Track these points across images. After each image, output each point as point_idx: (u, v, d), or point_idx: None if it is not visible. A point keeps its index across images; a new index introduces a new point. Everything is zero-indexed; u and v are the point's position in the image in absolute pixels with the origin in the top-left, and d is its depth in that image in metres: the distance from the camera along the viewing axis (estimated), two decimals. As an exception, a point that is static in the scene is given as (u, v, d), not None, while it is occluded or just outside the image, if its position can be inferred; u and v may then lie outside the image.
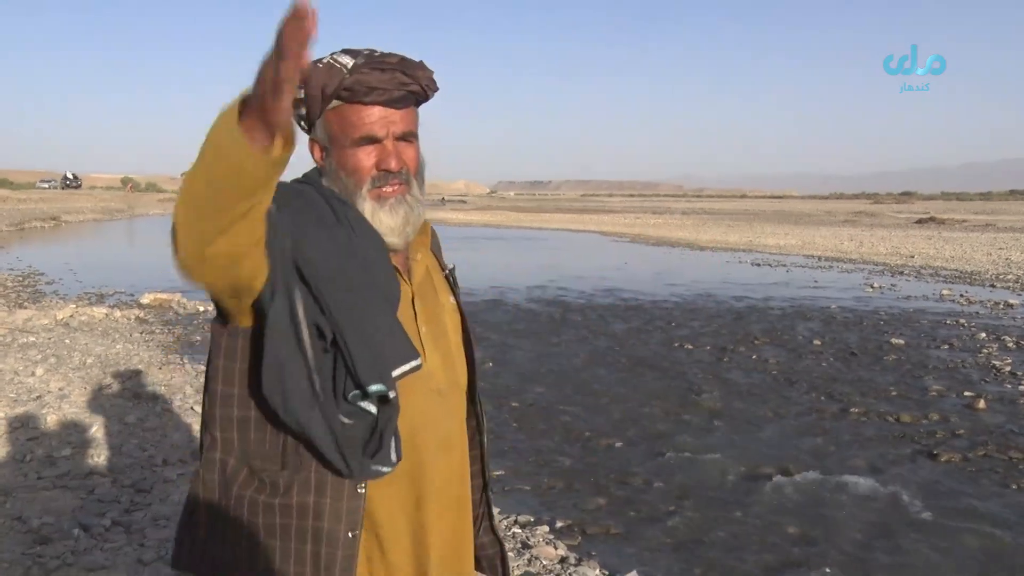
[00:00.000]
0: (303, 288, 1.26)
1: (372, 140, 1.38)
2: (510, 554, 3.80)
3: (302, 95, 1.37)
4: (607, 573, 3.79)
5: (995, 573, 4.04)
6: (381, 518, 1.37)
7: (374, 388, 1.25)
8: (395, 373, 1.29)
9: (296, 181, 1.44)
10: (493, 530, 1.65)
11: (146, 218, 49.64)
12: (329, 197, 1.38)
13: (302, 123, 1.42)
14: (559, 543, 4.09)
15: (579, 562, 3.87)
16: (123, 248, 27.77)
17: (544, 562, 3.81)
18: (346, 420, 1.26)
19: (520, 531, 4.19)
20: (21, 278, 14.80)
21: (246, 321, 1.29)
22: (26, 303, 11.23)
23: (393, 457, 1.30)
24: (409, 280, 1.45)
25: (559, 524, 4.39)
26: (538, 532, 4.19)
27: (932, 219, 43.23)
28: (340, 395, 1.26)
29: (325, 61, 1.36)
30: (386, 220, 1.38)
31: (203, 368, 7.02)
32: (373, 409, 1.27)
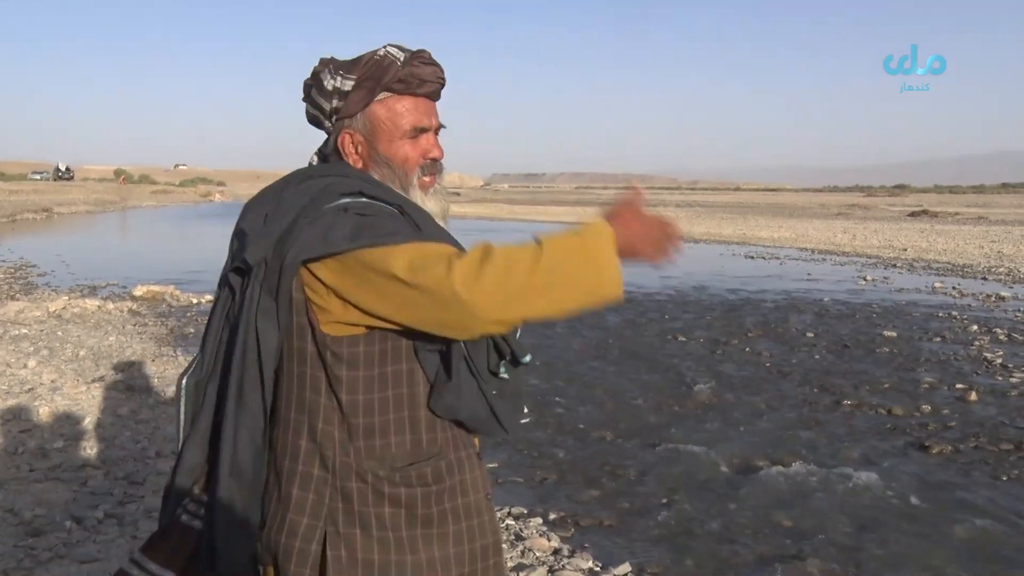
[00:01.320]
0: None
1: (422, 131, 1.45)
2: (503, 546, 3.82)
3: (350, 87, 1.41)
4: (600, 565, 3.80)
5: (986, 564, 4.06)
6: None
7: (527, 359, 1.42)
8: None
9: (345, 175, 1.41)
10: None
11: (139, 210, 49.46)
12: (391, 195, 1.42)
13: (334, 116, 1.44)
14: (552, 535, 4.09)
15: (572, 554, 3.88)
16: (116, 240, 27.67)
17: (537, 554, 3.82)
18: (494, 392, 1.40)
19: (513, 523, 4.20)
20: (13, 270, 14.74)
21: (360, 329, 1.33)
22: (18, 295, 11.19)
23: (525, 407, 1.49)
24: None
25: (552, 516, 4.40)
26: (531, 524, 4.20)
27: (925, 212, 43.33)
28: (488, 370, 1.39)
29: (381, 53, 1.42)
30: (432, 207, 1.46)
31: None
32: (507, 376, 1.41)
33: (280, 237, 1.32)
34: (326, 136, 1.49)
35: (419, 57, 1.42)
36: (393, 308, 1.27)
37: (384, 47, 1.43)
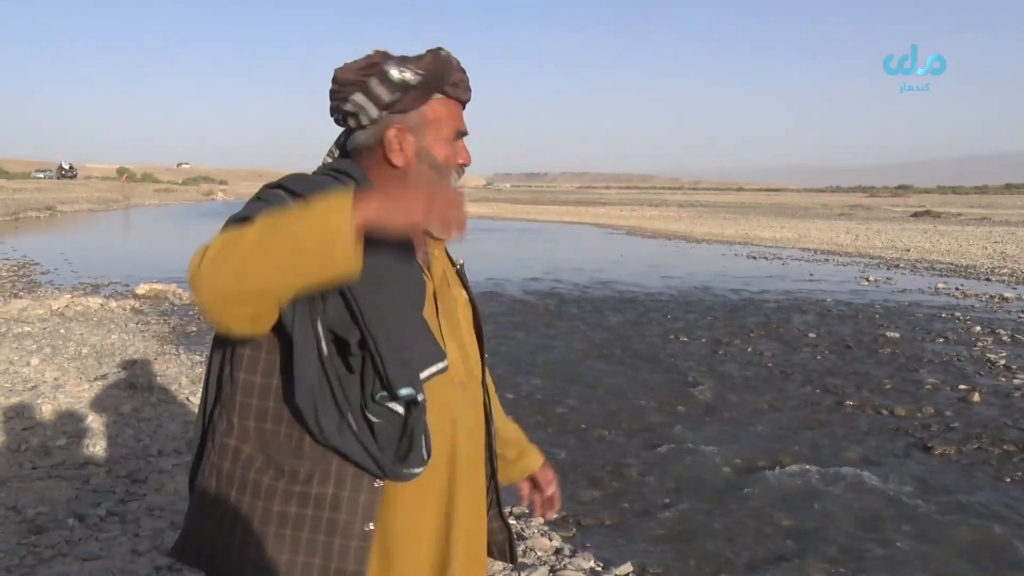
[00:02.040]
0: (332, 296, 1.26)
1: (462, 135, 1.47)
2: (505, 545, 3.82)
3: (416, 82, 1.39)
4: (601, 565, 3.80)
5: (988, 565, 4.06)
6: (406, 509, 1.37)
7: (404, 392, 1.26)
8: (423, 375, 1.31)
9: (332, 171, 1.41)
10: (502, 516, 1.69)
11: (142, 208, 49.52)
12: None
13: (384, 109, 1.40)
14: (554, 534, 4.10)
15: (573, 553, 3.88)
16: (119, 238, 27.71)
17: (539, 553, 3.82)
18: (375, 419, 1.28)
19: (515, 522, 4.20)
20: (16, 268, 14.76)
21: None
22: (21, 293, 11.21)
23: (424, 455, 1.32)
24: (430, 275, 1.47)
25: (554, 515, 4.40)
26: (533, 523, 4.20)
27: (928, 212, 43.27)
28: (368, 396, 1.28)
29: (443, 54, 1.42)
30: None
31: (199, 359, 7.03)
32: (401, 409, 1.29)
33: None
34: (349, 130, 1.45)
35: (459, 65, 1.45)
36: None
37: (440, 48, 1.42)
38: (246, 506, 1.32)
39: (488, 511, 1.64)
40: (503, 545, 1.69)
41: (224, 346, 1.37)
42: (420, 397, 1.29)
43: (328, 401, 1.26)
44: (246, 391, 1.34)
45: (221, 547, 1.34)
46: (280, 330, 1.28)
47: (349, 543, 1.30)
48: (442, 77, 1.41)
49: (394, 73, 1.37)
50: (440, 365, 1.34)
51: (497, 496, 1.67)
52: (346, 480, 1.31)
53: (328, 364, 1.27)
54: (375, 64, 1.38)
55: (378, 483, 1.32)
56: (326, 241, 1.11)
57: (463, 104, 1.48)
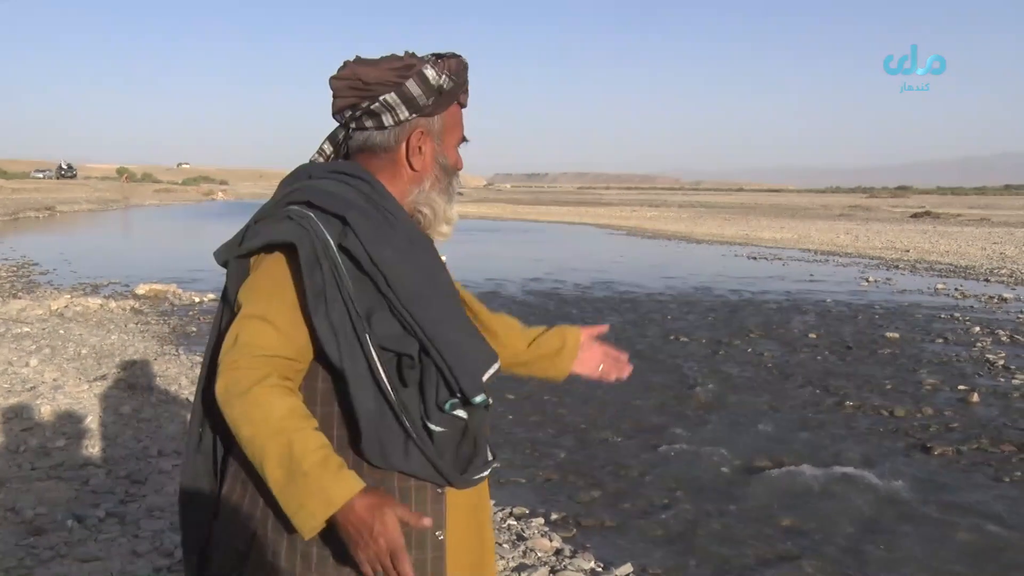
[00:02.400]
0: (378, 311, 1.26)
1: (463, 142, 1.50)
2: (505, 546, 3.82)
3: (450, 87, 1.39)
4: (602, 565, 3.80)
5: (987, 566, 4.06)
6: (455, 515, 1.37)
7: (479, 399, 1.27)
8: (484, 377, 1.31)
9: (341, 173, 1.37)
10: None
11: (141, 208, 49.50)
12: (375, 200, 1.35)
13: (414, 112, 1.39)
14: (554, 535, 4.09)
15: (574, 554, 3.88)
16: (118, 239, 27.70)
17: (539, 554, 3.82)
18: (438, 428, 1.28)
19: (515, 523, 4.20)
20: (15, 268, 14.76)
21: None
22: (20, 293, 11.20)
23: (489, 457, 1.33)
24: None
25: (554, 516, 4.40)
26: (533, 524, 4.20)
27: (928, 213, 43.27)
28: (432, 405, 1.27)
29: (465, 60, 1.42)
30: (452, 214, 1.46)
31: (198, 359, 7.02)
32: (465, 415, 1.29)
33: (239, 239, 1.36)
34: (356, 129, 1.42)
35: None
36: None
37: (460, 55, 1.42)
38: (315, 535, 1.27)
39: None
40: None
41: None
42: (490, 400, 1.30)
43: (392, 427, 1.25)
44: None
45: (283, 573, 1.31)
46: (328, 357, 1.26)
47: (425, 555, 1.30)
48: (463, 85, 1.42)
49: (433, 76, 1.36)
50: (496, 366, 1.34)
51: None
52: (409, 494, 1.30)
53: (385, 387, 1.25)
54: (413, 66, 1.36)
55: (440, 490, 1.32)
56: (295, 513, 1.16)
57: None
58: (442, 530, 1.32)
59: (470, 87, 1.47)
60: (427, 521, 1.17)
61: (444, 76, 1.37)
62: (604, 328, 1.76)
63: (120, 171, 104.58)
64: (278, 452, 1.16)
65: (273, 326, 1.24)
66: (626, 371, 1.75)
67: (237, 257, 1.34)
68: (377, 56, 1.41)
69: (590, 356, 1.72)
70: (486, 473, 1.33)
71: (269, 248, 1.29)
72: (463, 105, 1.47)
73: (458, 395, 1.27)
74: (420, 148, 1.41)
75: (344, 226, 1.27)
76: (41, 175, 78.42)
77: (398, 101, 1.36)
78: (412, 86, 1.35)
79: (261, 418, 1.17)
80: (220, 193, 79.92)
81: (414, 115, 1.38)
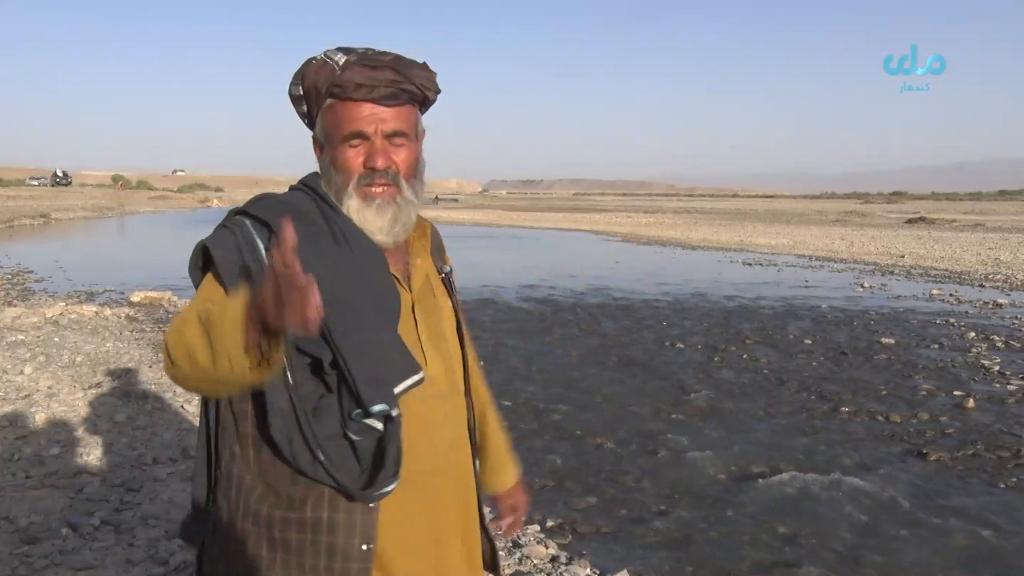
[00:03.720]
0: None
1: (359, 136, 1.37)
2: (501, 553, 3.81)
3: (301, 92, 1.40)
4: (598, 572, 3.79)
5: (984, 571, 4.06)
6: (393, 525, 1.35)
7: (377, 408, 1.25)
8: (397, 390, 1.29)
9: (294, 188, 1.45)
10: (484, 528, 1.66)
11: (137, 216, 49.45)
12: (325, 209, 1.38)
13: (305, 120, 1.45)
14: (550, 542, 4.09)
15: (570, 561, 3.87)
16: (114, 246, 27.64)
17: (535, 561, 3.81)
18: (356, 437, 1.27)
19: (511, 530, 4.19)
20: (10, 276, 14.72)
21: None
22: (15, 301, 11.17)
23: (392, 471, 1.30)
24: (409, 287, 1.45)
25: (550, 523, 4.39)
26: (529, 531, 4.19)
27: (922, 219, 43.41)
28: (345, 414, 1.27)
29: (319, 58, 1.38)
30: (372, 219, 1.38)
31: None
32: (380, 425, 1.28)
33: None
34: None
35: (362, 60, 1.36)
36: None
37: (325, 52, 1.39)
38: (251, 534, 1.33)
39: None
40: (486, 556, 1.66)
41: None
42: (395, 412, 1.27)
43: (297, 434, 1.26)
44: (243, 420, 1.34)
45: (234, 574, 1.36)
46: None
47: (350, 565, 1.30)
48: (317, 85, 1.37)
49: (290, 89, 1.41)
50: (415, 378, 1.32)
51: (480, 508, 1.64)
52: (339, 502, 1.30)
53: (294, 393, 1.26)
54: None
55: (372, 503, 1.31)
56: (218, 341, 1.13)
57: (374, 102, 1.36)
58: (371, 542, 1.30)
59: (442, 85, 1.45)
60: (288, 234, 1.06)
61: (292, 85, 1.40)
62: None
63: (115, 178, 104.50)
64: (193, 329, 1.18)
65: (204, 294, 1.31)
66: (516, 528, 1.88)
67: (192, 271, 1.38)
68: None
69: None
70: (389, 488, 1.29)
71: (206, 253, 1.34)
72: (351, 99, 1.36)
73: (361, 407, 1.26)
74: (317, 154, 1.45)
75: (270, 232, 1.30)
76: (36, 182, 78.32)
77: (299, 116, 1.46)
78: (293, 103, 1.44)
79: (180, 324, 1.21)
80: (216, 200, 79.87)
81: (312, 129, 1.44)
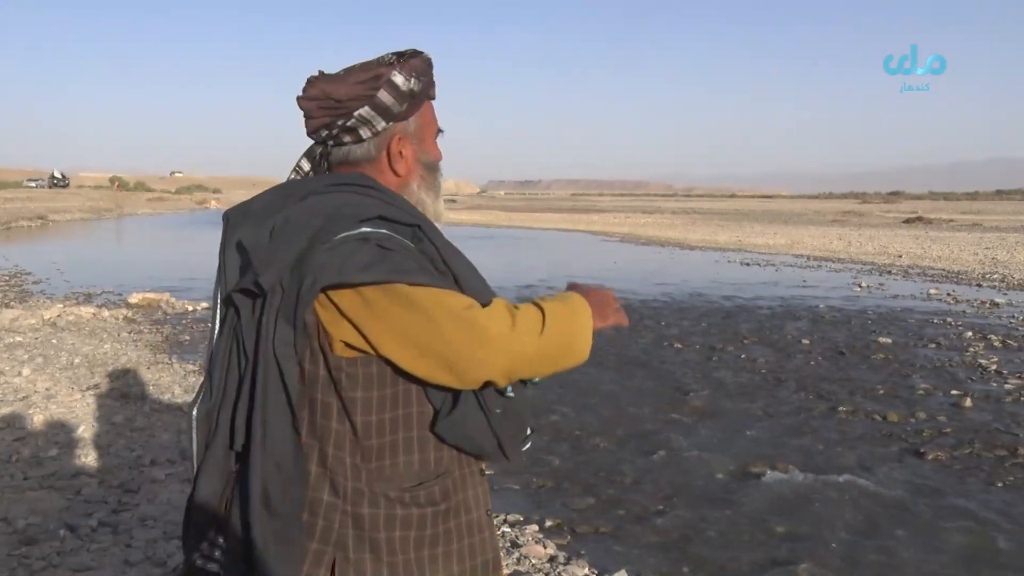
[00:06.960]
0: None
1: (440, 133, 1.50)
2: (502, 559, 3.81)
3: (420, 88, 1.39)
4: (596, 572, 3.80)
5: (981, 570, 4.07)
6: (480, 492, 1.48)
7: (537, 379, 1.40)
8: None
9: (358, 186, 1.35)
10: None
11: (134, 217, 49.40)
12: (409, 208, 1.39)
13: (388, 114, 1.37)
14: (548, 542, 4.09)
15: (568, 561, 3.87)
16: (111, 248, 27.62)
17: (533, 561, 3.82)
18: (499, 411, 1.37)
19: (509, 530, 4.19)
20: (8, 277, 14.71)
21: (370, 350, 1.28)
22: (13, 303, 11.16)
23: (528, 430, 1.47)
24: None
25: (548, 523, 4.40)
26: (527, 531, 4.20)
27: (920, 219, 43.47)
28: (496, 392, 1.37)
29: (427, 55, 1.42)
30: (440, 209, 1.50)
31: (192, 367, 6.98)
32: (512, 394, 1.38)
33: (295, 261, 1.24)
34: (331, 146, 1.40)
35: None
36: (405, 344, 1.25)
37: (409, 50, 1.40)
38: (403, 539, 1.31)
39: None
40: None
41: (333, 395, 1.31)
42: (538, 378, 1.41)
43: (472, 407, 1.34)
44: (366, 434, 1.30)
45: None
46: (381, 361, 1.27)
47: (484, 535, 1.41)
48: (431, 81, 1.42)
49: (402, 83, 1.36)
50: None
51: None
52: (467, 480, 1.40)
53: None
54: (381, 75, 1.35)
55: (483, 472, 1.45)
56: (582, 340, 1.38)
57: None
58: (489, 507, 1.45)
59: (439, 79, 1.48)
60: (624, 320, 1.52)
61: (413, 79, 1.37)
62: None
63: (113, 180, 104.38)
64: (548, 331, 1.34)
65: (455, 294, 1.31)
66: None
67: (322, 289, 1.25)
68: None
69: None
70: (528, 444, 1.48)
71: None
72: (432, 98, 1.46)
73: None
74: (401, 153, 1.41)
75: (419, 232, 1.33)
76: (33, 184, 78.17)
77: (373, 114, 1.36)
78: (384, 96, 1.35)
79: (528, 335, 1.32)
80: (214, 202, 79.80)
81: (390, 123, 1.39)
